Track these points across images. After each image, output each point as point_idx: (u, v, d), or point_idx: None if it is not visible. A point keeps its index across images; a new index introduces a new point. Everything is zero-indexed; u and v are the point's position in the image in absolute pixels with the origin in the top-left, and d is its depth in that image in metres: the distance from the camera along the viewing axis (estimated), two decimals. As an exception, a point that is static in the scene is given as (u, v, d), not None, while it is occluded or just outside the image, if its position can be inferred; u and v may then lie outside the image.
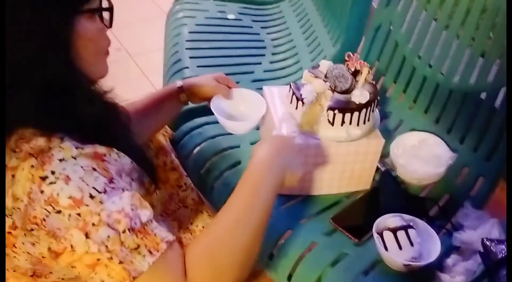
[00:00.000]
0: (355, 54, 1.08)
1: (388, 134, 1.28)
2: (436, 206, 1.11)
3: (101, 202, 0.66)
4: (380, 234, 0.96)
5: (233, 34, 1.72)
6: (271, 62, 1.61)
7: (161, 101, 1.10)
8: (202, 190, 1.21)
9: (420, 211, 1.09)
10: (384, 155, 1.16)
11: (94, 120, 0.72)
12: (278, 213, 1.08)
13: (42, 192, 0.64)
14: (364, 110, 1.03)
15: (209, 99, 1.09)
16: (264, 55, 1.64)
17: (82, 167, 0.66)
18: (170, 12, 1.90)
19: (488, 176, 1.13)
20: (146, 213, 0.70)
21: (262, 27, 1.79)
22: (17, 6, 0.62)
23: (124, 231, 0.67)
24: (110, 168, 0.70)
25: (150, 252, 0.69)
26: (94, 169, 0.67)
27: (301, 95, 1.04)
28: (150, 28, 2.39)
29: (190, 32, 1.69)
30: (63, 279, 0.78)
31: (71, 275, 0.77)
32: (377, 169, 1.15)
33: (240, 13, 1.84)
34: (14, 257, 0.72)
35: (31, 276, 0.76)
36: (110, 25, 0.74)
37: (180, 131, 1.29)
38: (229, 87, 1.13)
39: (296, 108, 1.05)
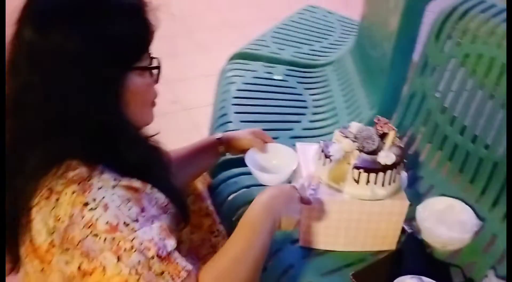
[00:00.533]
0: (382, 118, 1.15)
1: (418, 198, 1.30)
2: (461, 272, 1.10)
3: (133, 230, 0.75)
4: (398, 295, 0.98)
5: (277, 93, 1.84)
6: (311, 121, 1.70)
7: (201, 151, 1.20)
8: (233, 237, 1.28)
9: (444, 276, 1.09)
10: (412, 217, 1.18)
11: (135, 162, 0.82)
12: (300, 265, 1.12)
13: (83, 216, 0.73)
14: (389, 172, 1.07)
15: (245, 151, 1.18)
16: (304, 114, 1.73)
17: (119, 197, 0.75)
18: (222, 70, 2.05)
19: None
20: (171, 243, 0.79)
21: (305, 89, 1.90)
22: (77, 62, 0.74)
23: (152, 257, 0.75)
24: (142, 199, 0.79)
25: (172, 278, 0.77)
26: (129, 200, 0.76)
27: (329, 152, 1.10)
28: (206, 84, 2.57)
29: (237, 90, 1.82)
30: None
31: None
32: (404, 230, 1.18)
33: (286, 75, 1.97)
34: (49, 274, 0.80)
35: None
36: (157, 81, 0.85)
37: (217, 179, 1.38)
38: (265, 142, 1.21)
39: (324, 164, 1.11)
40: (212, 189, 1.36)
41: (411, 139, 1.42)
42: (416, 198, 1.29)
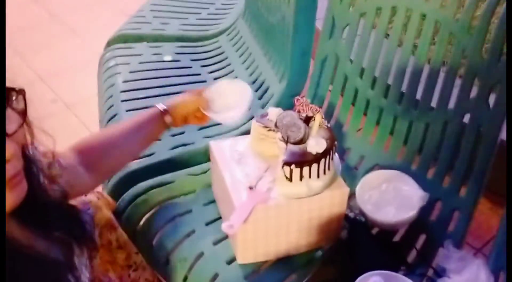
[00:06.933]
0: (303, 98, 0.99)
1: (351, 173, 1.19)
2: (414, 249, 1.02)
3: None
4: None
5: (171, 77, 1.59)
6: (216, 104, 1.49)
7: (143, 125, 1.04)
8: (156, 265, 1.07)
9: (397, 258, 1.00)
10: (350, 196, 1.05)
11: None
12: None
13: None
14: (323, 160, 0.93)
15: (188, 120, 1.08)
16: (207, 97, 1.52)
17: None
18: (101, 59, 1.75)
19: (464, 208, 1.05)
20: None
21: (202, 66, 1.67)
22: None
23: None
24: None
25: None
26: None
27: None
28: (84, 74, 2.25)
29: (124, 82, 1.55)
30: None
31: None
32: (346, 216, 1.05)
33: (177, 53, 1.72)
34: None
35: None
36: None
37: (122, 200, 1.14)
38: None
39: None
40: (119, 213, 1.12)
41: (330, 108, 1.28)
42: (349, 172, 1.18)
